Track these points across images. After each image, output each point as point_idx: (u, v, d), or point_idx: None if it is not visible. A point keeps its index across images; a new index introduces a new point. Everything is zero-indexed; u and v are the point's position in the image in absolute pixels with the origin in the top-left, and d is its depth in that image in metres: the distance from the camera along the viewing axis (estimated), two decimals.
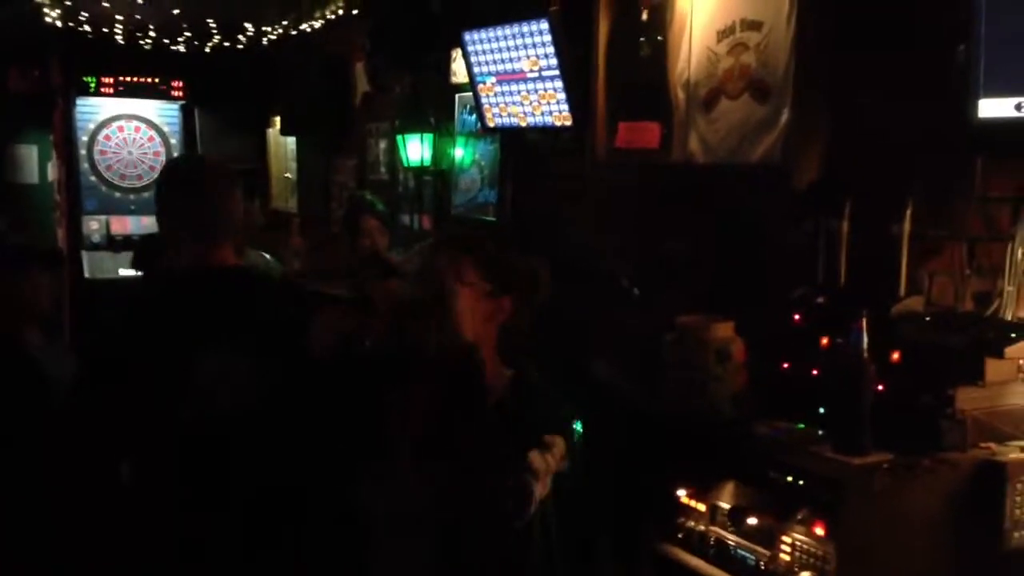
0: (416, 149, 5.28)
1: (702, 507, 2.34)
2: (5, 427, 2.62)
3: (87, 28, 6.29)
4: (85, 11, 5.95)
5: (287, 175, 7.72)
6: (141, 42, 6.60)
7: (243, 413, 2.16)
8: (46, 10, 5.96)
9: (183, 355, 2.14)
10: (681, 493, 2.38)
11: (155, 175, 7.95)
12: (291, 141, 7.54)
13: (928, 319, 2.36)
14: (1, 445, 2.61)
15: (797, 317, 2.49)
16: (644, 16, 3.65)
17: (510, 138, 4.64)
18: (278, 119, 7.52)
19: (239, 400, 2.16)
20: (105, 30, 6.34)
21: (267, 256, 4.62)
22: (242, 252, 4.04)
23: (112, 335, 2.35)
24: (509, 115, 4.32)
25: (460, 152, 5.18)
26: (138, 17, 6.01)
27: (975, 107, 2.19)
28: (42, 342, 2.95)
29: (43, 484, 2.33)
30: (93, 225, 7.79)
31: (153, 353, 2.15)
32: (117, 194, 7.95)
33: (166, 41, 6.58)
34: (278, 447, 2.17)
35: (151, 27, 6.28)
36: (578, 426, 2.84)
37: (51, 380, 2.74)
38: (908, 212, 2.47)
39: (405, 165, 5.47)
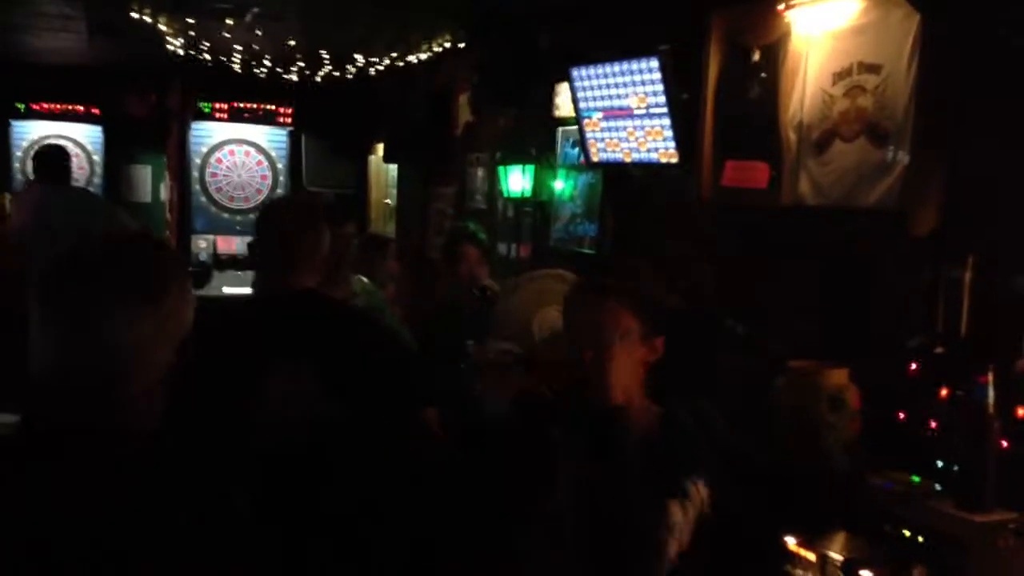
0: (517, 180, 5.35)
1: (812, 557, 2.29)
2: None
3: (207, 56, 6.57)
4: (206, 40, 6.23)
5: (387, 201, 7.90)
6: (256, 71, 6.86)
7: (301, 433, 2.26)
8: (168, 38, 6.25)
9: (245, 376, 2.29)
10: (790, 541, 2.35)
11: (261, 197, 8.29)
12: (392, 168, 7.73)
13: None
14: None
15: (914, 366, 2.44)
16: (756, 56, 3.65)
17: (613, 173, 4.67)
18: (381, 146, 7.72)
19: (297, 420, 2.28)
20: (223, 59, 6.62)
21: (364, 279, 4.73)
22: (347, 279, 4.18)
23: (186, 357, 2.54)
24: (614, 151, 4.35)
25: (560, 184, 5.23)
26: (256, 47, 6.25)
27: None
28: None
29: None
30: (201, 244, 8.11)
31: (218, 373, 2.30)
32: (225, 215, 8.27)
33: (279, 70, 6.82)
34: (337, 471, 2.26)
35: (267, 57, 6.53)
36: None
37: None
38: None
39: (505, 195, 5.55)
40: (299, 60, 6.42)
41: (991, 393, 2.01)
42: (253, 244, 2.78)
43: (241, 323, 2.51)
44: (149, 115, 8.36)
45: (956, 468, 2.07)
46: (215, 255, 8.04)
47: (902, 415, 2.35)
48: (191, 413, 2.36)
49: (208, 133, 8.22)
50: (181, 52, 6.48)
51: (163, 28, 6.07)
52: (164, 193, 8.39)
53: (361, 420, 2.33)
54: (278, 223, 2.59)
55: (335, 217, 4.12)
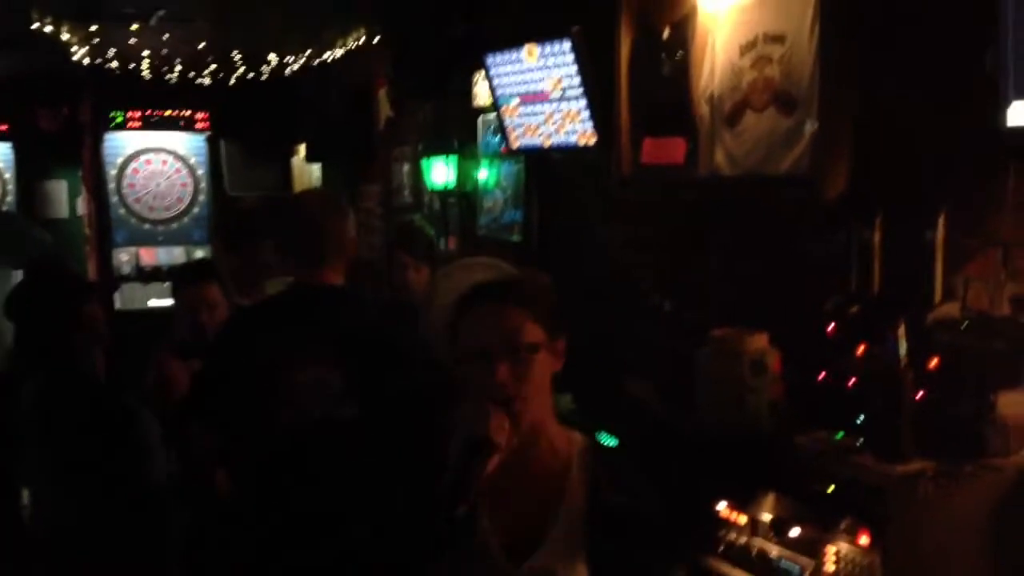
0: (441, 172, 5.33)
1: (743, 519, 2.33)
2: (87, 453, 2.71)
3: (114, 64, 6.41)
4: (113, 47, 6.07)
5: None
6: (167, 76, 6.71)
7: (329, 425, 2.27)
8: (74, 48, 6.08)
9: (274, 367, 2.34)
10: (721, 506, 2.38)
11: (183, 206, 8.12)
12: (316, 168, 7.62)
13: (965, 325, 2.35)
14: (74, 470, 2.71)
15: (831, 327, 2.49)
16: (665, 34, 3.68)
17: (534, 158, 4.67)
18: (303, 147, 7.61)
19: (326, 411, 2.32)
20: (132, 65, 6.46)
21: None
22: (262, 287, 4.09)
23: (214, 348, 2.64)
24: (533, 136, 4.35)
25: (484, 174, 5.22)
26: (164, 51, 6.13)
27: (1005, 113, 2.19)
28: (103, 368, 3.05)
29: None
30: (123, 257, 7.90)
31: (247, 364, 2.39)
32: (146, 226, 8.07)
33: (191, 74, 6.68)
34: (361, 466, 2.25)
35: (177, 60, 6.39)
36: (612, 442, 2.85)
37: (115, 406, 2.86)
38: (941, 219, 2.47)
39: (430, 188, 5.52)
40: (211, 63, 6.31)
41: (903, 346, 2.05)
42: (276, 237, 2.67)
43: (275, 317, 2.52)
44: (61, 128, 8.11)
45: (873, 421, 2.12)
46: (138, 267, 7.85)
47: (822, 375, 2.39)
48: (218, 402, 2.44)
49: (123, 143, 8.01)
50: (88, 61, 6.32)
51: (67, 37, 5.90)
52: (81, 208, 8.16)
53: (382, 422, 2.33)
54: (311, 215, 2.51)
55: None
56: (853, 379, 2.28)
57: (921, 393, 2.09)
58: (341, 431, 2.34)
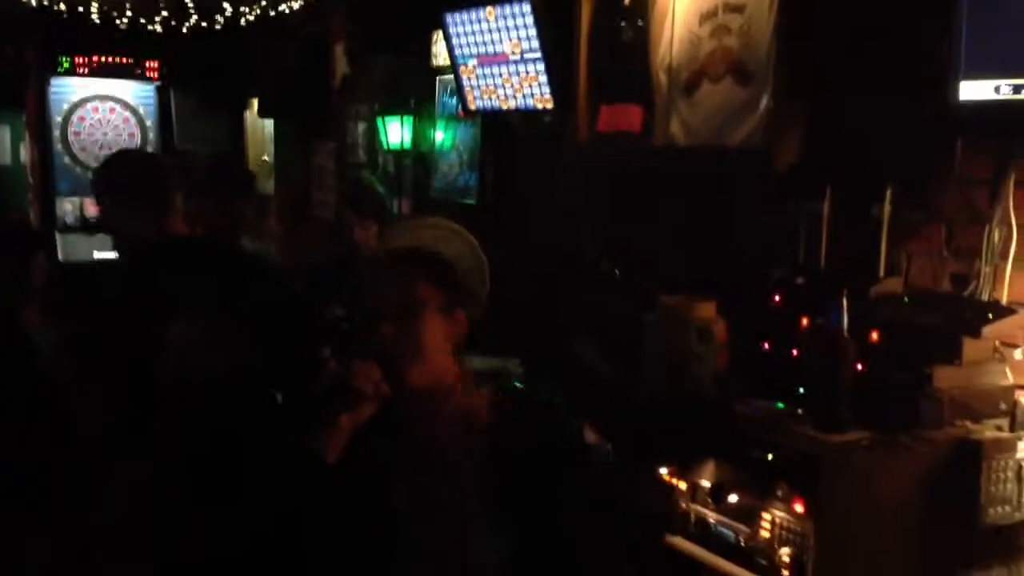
0: (396, 132, 5.26)
1: (683, 485, 2.36)
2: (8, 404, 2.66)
3: (62, 7, 6.19)
4: None
5: (264, 158, 7.66)
6: (117, 21, 6.51)
7: (207, 377, 2.25)
8: None
9: (151, 320, 2.31)
10: (662, 471, 2.40)
11: None
12: (269, 124, 7.48)
13: (907, 300, 2.39)
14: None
15: (777, 298, 2.51)
16: (627, 0, 3.65)
17: (491, 121, 4.63)
18: (256, 101, 7.45)
19: (203, 364, 2.29)
20: (80, 9, 6.25)
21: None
22: (238, 238, 4.04)
23: (88, 304, 2.64)
24: (491, 98, 4.31)
25: (440, 135, 5.17)
26: None
27: (955, 89, 2.21)
28: (40, 321, 2.97)
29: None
30: (67, 207, 7.70)
31: (125, 319, 2.36)
32: (91, 175, 7.85)
33: (143, 21, 6.49)
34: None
35: (128, 5, 6.19)
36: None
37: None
38: (888, 194, 2.50)
39: (385, 148, 5.45)
40: (163, 9, 6.12)
41: (844, 318, 2.08)
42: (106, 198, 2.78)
43: (139, 274, 2.54)
44: (5, 71, 7.83)
45: (813, 392, 2.14)
46: (83, 218, 7.65)
47: (766, 345, 2.42)
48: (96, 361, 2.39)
49: (70, 89, 7.76)
50: (34, 2, 6.10)
51: None
52: (24, 154, 7.92)
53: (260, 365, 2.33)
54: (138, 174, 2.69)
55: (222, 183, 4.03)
56: (797, 350, 2.31)
57: (860, 365, 2.12)
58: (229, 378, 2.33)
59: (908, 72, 2.51)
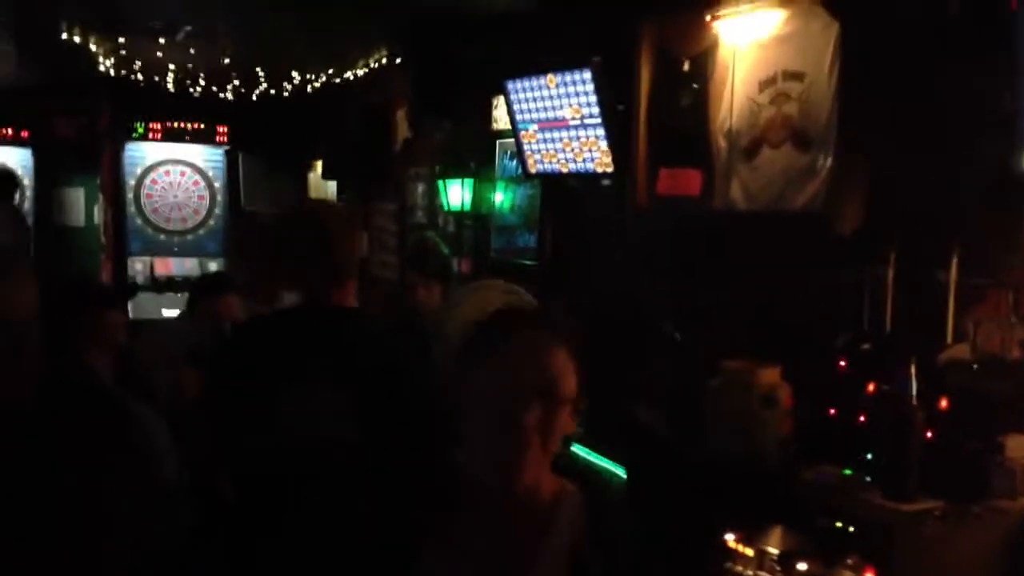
0: (456, 193, 5.37)
1: (750, 552, 2.34)
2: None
3: (139, 76, 6.49)
4: (139, 59, 6.15)
5: None
6: (190, 89, 6.79)
7: (328, 448, 2.25)
8: (100, 58, 6.16)
9: (271, 385, 2.28)
10: (729, 538, 2.39)
11: (199, 218, 8.18)
12: (332, 185, 7.68)
13: (975, 367, 2.37)
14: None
15: (843, 363, 2.51)
16: (685, 66, 3.73)
17: (551, 183, 4.71)
18: (319, 164, 7.67)
19: (323, 431, 2.25)
20: (156, 78, 6.54)
21: None
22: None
23: (216, 362, 2.65)
24: (551, 161, 4.40)
25: (500, 197, 5.27)
26: (189, 65, 6.20)
27: (1020, 158, 2.22)
28: (115, 374, 3.06)
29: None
30: (137, 266, 7.95)
31: (245, 377, 2.34)
32: (162, 236, 8.12)
33: (214, 88, 6.76)
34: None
35: (201, 75, 6.46)
36: (620, 471, 2.86)
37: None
38: (954, 260, 2.49)
39: (445, 209, 5.56)
40: (234, 78, 6.38)
41: (913, 385, 2.07)
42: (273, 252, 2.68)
43: (277, 331, 2.44)
44: (80, 137, 8.19)
45: (882, 459, 2.13)
46: (152, 277, 7.90)
47: (832, 411, 2.41)
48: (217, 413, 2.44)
49: (142, 154, 8.08)
50: (112, 72, 6.40)
51: (94, 48, 5.99)
52: (98, 216, 8.23)
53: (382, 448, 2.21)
54: (322, 231, 2.39)
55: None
56: (863, 416, 2.30)
57: (930, 433, 2.11)
58: (337, 452, 2.24)
59: (974, 136, 2.52)
